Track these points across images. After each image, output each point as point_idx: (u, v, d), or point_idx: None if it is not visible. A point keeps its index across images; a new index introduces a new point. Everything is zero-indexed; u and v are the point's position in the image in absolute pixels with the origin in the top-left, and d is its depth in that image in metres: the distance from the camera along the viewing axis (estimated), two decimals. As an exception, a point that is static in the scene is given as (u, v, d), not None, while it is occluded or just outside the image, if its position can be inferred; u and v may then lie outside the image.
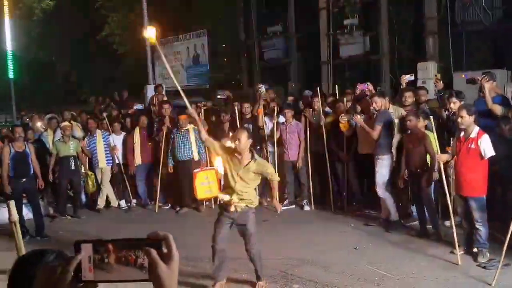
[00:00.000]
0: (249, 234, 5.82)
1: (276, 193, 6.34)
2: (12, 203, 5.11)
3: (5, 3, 26.33)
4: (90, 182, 10.42)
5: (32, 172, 9.20)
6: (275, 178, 6.14)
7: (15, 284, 1.57)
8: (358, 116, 8.68)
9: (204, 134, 6.13)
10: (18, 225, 4.90)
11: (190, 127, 10.12)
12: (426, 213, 7.79)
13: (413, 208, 8.42)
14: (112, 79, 23.06)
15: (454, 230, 6.79)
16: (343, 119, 9.10)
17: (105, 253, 1.35)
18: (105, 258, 1.34)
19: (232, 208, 5.75)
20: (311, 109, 9.89)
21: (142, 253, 1.33)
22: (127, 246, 1.34)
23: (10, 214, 5.02)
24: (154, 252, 1.31)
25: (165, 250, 1.34)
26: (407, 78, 9.48)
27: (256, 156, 5.86)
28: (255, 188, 6.23)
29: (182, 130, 10.11)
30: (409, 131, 7.85)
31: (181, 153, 10.11)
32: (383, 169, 8.21)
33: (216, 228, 5.88)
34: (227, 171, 5.85)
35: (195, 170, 9.81)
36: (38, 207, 9.33)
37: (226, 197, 5.84)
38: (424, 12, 13.63)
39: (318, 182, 10.14)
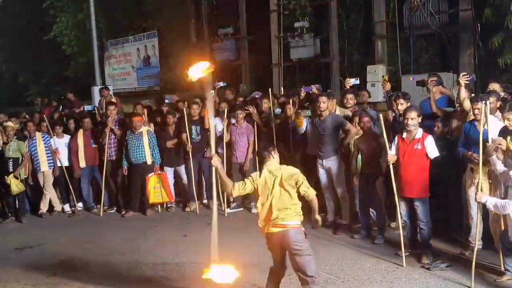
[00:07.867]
0: None
1: None
2: None
3: None
4: (13, 185, 9.92)
5: None
6: None
7: None
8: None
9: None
10: None
11: (144, 129, 9.92)
12: (373, 215, 7.77)
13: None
14: (60, 81, 22.50)
15: (401, 231, 6.78)
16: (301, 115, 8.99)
17: None
18: None
19: None
20: (254, 109, 9.79)
21: None
22: None
23: None
24: None
25: None
26: (352, 81, 9.52)
27: None
28: None
29: (136, 133, 9.87)
30: (362, 133, 7.79)
31: (134, 156, 9.89)
32: (337, 169, 8.19)
33: None
34: None
35: (149, 175, 9.76)
36: None
37: None
38: (373, 16, 13.70)
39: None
